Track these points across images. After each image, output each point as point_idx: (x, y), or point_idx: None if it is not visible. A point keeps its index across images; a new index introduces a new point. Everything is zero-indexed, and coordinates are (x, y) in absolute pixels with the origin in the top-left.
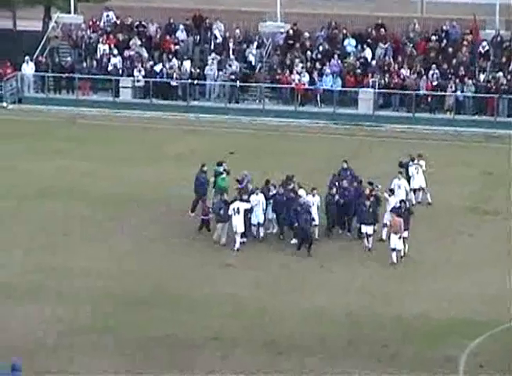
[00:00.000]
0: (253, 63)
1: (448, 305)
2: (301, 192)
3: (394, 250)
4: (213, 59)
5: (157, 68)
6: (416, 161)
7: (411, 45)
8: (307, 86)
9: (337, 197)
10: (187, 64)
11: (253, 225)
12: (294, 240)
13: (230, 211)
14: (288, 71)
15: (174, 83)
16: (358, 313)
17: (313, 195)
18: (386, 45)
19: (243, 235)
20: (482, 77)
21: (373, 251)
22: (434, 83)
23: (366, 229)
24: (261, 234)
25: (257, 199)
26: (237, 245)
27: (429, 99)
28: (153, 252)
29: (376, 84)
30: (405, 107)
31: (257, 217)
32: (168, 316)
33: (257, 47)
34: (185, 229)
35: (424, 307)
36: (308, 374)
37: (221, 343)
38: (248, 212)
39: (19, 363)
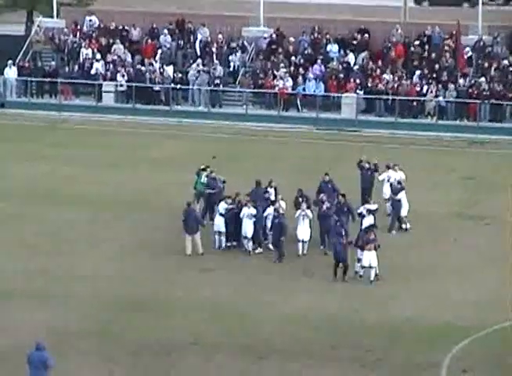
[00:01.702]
0: (236, 68)
1: (432, 310)
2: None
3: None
4: (197, 64)
5: (143, 68)
6: (391, 171)
7: (393, 50)
8: (290, 91)
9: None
10: (170, 69)
11: (243, 238)
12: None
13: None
14: (271, 76)
15: (156, 88)
16: (341, 318)
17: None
18: (365, 53)
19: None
20: (465, 82)
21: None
22: (417, 88)
23: None
24: (250, 248)
25: (249, 212)
26: (219, 244)
27: (414, 103)
28: (139, 257)
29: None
30: (388, 112)
31: (246, 230)
32: (150, 321)
33: (241, 52)
34: (171, 234)
35: (408, 312)
36: None
37: (201, 348)
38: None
39: (43, 343)
